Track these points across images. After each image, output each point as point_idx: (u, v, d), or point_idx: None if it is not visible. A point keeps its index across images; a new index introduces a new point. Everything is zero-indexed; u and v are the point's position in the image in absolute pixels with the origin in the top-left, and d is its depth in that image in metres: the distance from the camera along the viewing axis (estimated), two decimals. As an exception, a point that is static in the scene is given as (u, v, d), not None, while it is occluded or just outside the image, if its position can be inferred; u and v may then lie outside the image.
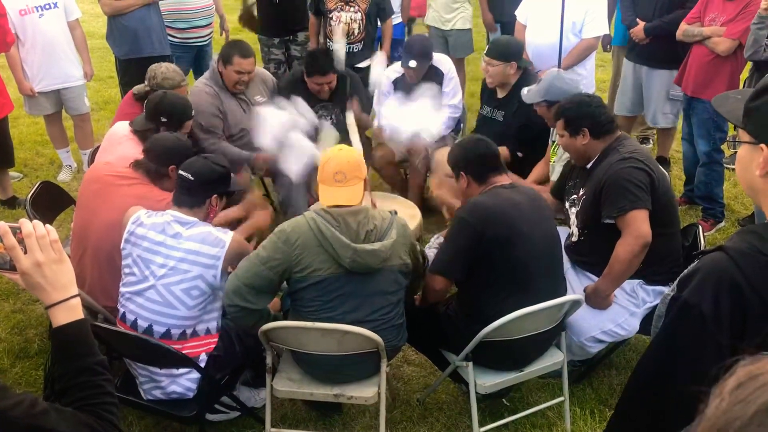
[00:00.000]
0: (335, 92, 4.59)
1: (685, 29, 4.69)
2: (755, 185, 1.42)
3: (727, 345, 1.36)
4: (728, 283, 1.37)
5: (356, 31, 5.28)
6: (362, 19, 5.27)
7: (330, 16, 5.26)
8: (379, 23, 5.54)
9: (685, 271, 1.47)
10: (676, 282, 1.48)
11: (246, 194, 3.75)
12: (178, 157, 3.17)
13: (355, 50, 5.30)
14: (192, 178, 2.85)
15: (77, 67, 5.42)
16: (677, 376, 1.43)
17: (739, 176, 1.48)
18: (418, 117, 4.15)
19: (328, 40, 5.34)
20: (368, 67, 5.14)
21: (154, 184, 3.18)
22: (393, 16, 6.00)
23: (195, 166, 2.90)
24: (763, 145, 1.36)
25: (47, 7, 5.13)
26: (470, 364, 2.87)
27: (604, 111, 3.27)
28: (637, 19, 5.12)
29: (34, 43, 5.09)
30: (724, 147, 4.85)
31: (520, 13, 5.23)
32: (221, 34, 6.19)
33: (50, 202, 3.76)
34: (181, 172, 2.88)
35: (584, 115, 3.22)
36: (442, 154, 4.53)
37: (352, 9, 5.24)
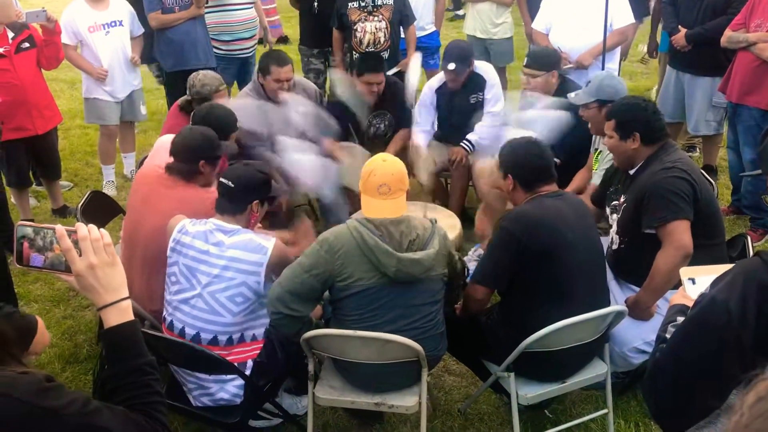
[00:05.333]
0: (384, 99, 4.64)
1: (729, 36, 4.61)
2: None
3: (748, 347, 1.36)
4: (757, 285, 1.38)
5: (382, 40, 5.33)
6: (387, 28, 5.33)
7: (355, 28, 5.32)
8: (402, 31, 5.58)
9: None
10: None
11: (297, 219, 3.83)
12: (205, 151, 3.20)
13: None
14: (232, 185, 2.88)
15: (135, 77, 5.62)
16: (694, 367, 1.43)
17: None
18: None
19: (353, 53, 5.40)
20: (397, 74, 5.20)
21: (190, 184, 3.21)
22: (426, 24, 6.05)
23: (236, 172, 2.93)
24: None
25: (113, 24, 5.38)
26: (512, 374, 2.84)
27: (658, 117, 3.20)
28: (679, 26, 5.06)
29: (98, 57, 5.33)
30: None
31: (539, 22, 5.29)
32: (265, 46, 6.29)
33: (100, 210, 3.85)
34: (221, 179, 2.92)
35: (639, 119, 3.16)
36: (483, 164, 4.54)
37: (376, 19, 5.30)
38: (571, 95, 3.83)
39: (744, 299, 1.37)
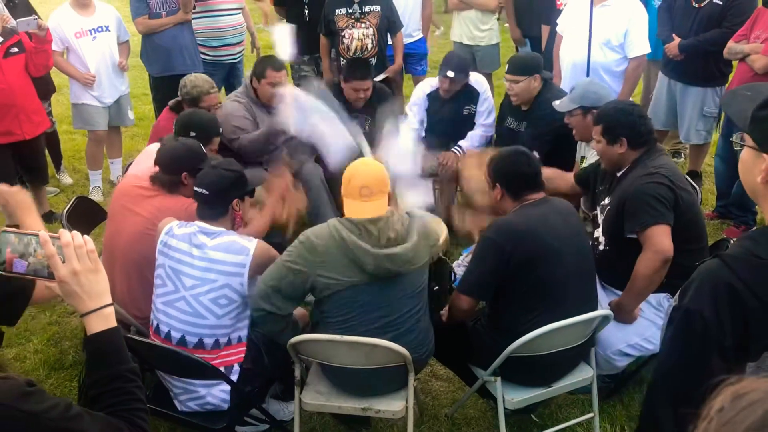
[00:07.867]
0: (371, 104, 4.64)
1: (730, 47, 4.65)
2: (756, 190, 1.44)
3: (731, 348, 1.37)
4: (724, 287, 1.39)
5: (369, 46, 5.35)
6: (374, 34, 5.34)
7: (342, 34, 5.33)
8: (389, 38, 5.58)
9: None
10: (678, 293, 1.49)
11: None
12: (187, 163, 3.20)
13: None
14: (207, 192, 2.87)
15: (123, 82, 5.62)
16: (686, 381, 1.44)
17: (741, 177, 1.50)
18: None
19: (341, 59, 5.42)
20: (384, 80, 5.23)
21: (172, 194, 3.21)
22: (414, 31, 6.08)
23: (207, 179, 2.91)
24: (765, 155, 1.38)
25: (99, 29, 5.37)
26: (498, 379, 2.85)
27: (645, 122, 3.22)
28: (673, 35, 5.07)
29: (85, 63, 5.32)
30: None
31: (560, 27, 5.15)
32: (252, 51, 6.29)
33: (85, 216, 3.83)
34: (195, 188, 2.90)
35: (625, 124, 3.17)
36: (470, 168, 4.54)
37: (363, 25, 5.31)
38: (556, 103, 3.86)
39: (716, 304, 1.38)
